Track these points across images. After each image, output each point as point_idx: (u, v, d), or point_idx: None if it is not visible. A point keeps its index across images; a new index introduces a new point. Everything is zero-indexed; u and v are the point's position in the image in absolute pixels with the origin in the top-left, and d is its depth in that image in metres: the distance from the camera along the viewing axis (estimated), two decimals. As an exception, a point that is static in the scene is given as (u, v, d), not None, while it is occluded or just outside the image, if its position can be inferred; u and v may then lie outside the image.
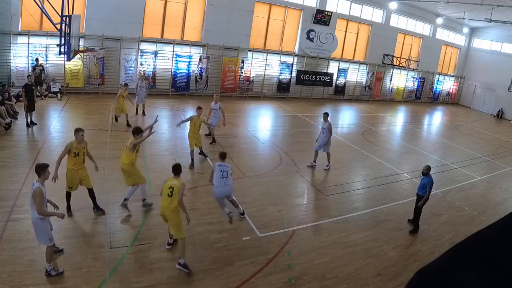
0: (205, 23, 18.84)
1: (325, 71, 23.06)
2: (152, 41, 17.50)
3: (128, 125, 12.24)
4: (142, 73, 16.61)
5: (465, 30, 29.17)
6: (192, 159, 9.79)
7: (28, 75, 12.92)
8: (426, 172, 7.66)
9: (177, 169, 6.00)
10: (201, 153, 10.42)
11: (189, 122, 9.98)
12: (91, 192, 6.96)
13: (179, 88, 18.42)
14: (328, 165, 10.90)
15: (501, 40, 27.28)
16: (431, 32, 27.48)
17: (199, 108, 10.13)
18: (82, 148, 6.86)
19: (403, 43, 26.45)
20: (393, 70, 25.86)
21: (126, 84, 13.22)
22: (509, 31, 25.42)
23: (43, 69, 15.26)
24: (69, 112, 13.82)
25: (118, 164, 9.11)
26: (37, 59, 14.98)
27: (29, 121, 11.28)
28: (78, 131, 6.84)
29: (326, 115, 10.74)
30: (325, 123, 10.62)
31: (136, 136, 7.15)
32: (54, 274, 5.13)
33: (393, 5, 23.86)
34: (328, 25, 22.06)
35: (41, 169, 5.22)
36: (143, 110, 14.17)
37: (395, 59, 25.57)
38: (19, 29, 14.87)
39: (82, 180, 6.87)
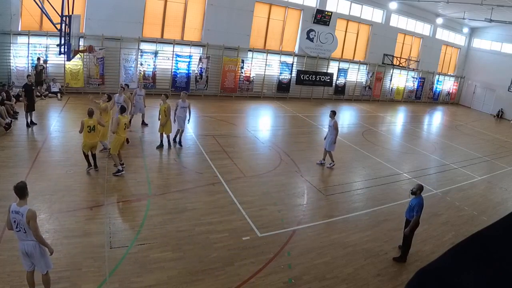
0: (205, 23, 18.84)
1: (325, 71, 23.05)
2: (152, 41, 17.50)
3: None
4: (141, 76, 16.62)
5: (465, 30, 29.16)
6: (161, 141, 10.86)
7: (28, 75, 12.91)
8: (415, 191, 6.53)
9: (91, 114, 8.42)
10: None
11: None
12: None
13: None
14: (331, 163, 10.97)
15: (501, 40, 27.27)
16: (431, 32, 27.48)
17: (164, 94, 10.95)
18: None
19: (403, 43, 26.44)
20: (393, 70, 25.86)
21: (126, 85, 11.96)
22: (509, 31, 25.42)
23: (44, 68, 15.26)
24: (69, 112, 13.82)
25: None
26: (38, 59, 14.96)
27: (29, 121, 11.28)
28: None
29: (332, 113, 10.90)
30: (331, 121, 10.80)
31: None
32: None
33: (393, 5, 23.85)
34: (328, 25, 22.05)
35: (26, 189, 4.62)
36: (143, 120, 12.81)
37: (395, 59, 25.57)
38: (19, 29, 14.87)
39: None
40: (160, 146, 10.83)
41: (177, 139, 11.23)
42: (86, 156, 8.56)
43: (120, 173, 8.61)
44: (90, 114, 8.46)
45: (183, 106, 11.06)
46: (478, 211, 9.47)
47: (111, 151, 8.72)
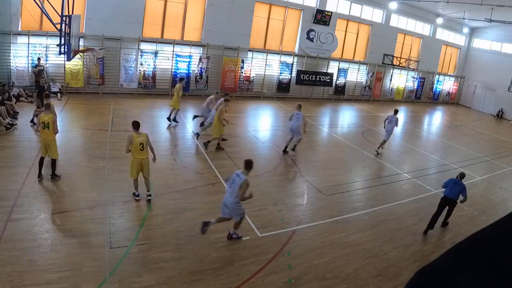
0: (205, 23, 18.84)
1: (325, 71, 23.05)
2: (152, 41, 17.50)
3: (174, 120, 13.07)
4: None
5: (465, 30, 29.16)
6: (218, 144, 11.18)
7: (41, 77, 13.00)
8: (460, 178, 7.90)
9: (48, 106, 7.97)
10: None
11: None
12: None
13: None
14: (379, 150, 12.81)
15: (501, 40, 27.27)
16: (431, 32, 27.47)
17: (226, 100, 11.11)
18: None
19: (403, 43, 26.44)
20: (393, 70, 25.86)
21: (182, 79, 13.54)
22: (509, 31, 25.41)
23: (43, 69, 15.25)
24: (69, 112, 13.81)
25: (118, 164, 9.16)
26: (39, 59, 14.96)
27: (30, 120, 11.34)
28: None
29: (397, 111, 13.17)
30: (394, 116, 12.83)
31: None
32: (236, 237, 6.60)
33: (393, 5, 23.85)
34: (328, 25, 22.05)
35: (251, 165, 6.29)
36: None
37: (395, 59, 25.55)
38: (19, 29, 14.86)
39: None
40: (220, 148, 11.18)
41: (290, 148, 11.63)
42: (41, 161, 7.94)
43: (134, 197, 7.61)
44: (46, 107, 8.01)
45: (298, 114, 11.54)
46: (478, 211, 9.47)
47: (130, 174, 7.69)
